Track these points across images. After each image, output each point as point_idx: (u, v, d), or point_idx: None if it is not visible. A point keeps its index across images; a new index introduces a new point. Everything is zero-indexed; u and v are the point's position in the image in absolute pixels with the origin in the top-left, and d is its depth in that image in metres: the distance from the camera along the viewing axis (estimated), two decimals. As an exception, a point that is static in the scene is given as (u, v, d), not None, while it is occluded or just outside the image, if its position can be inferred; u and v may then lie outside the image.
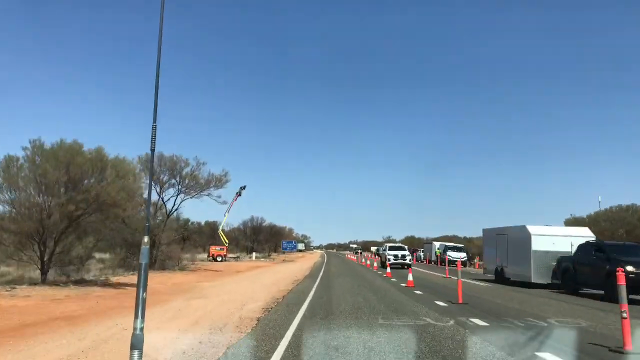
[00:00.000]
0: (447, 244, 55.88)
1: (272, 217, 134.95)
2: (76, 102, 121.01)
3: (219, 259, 46.19)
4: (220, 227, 55.85)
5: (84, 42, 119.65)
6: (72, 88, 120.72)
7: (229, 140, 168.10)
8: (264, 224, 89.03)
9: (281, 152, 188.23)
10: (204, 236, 71.26)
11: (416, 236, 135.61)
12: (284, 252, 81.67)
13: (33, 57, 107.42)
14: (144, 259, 3.69)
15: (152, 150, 3.89)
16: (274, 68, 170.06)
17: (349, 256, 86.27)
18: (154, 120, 3.79)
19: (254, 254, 60.21)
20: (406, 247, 40.64)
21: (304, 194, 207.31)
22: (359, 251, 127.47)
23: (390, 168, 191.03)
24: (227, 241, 53.24)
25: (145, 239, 3.69)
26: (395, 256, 35.92)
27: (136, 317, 3.49)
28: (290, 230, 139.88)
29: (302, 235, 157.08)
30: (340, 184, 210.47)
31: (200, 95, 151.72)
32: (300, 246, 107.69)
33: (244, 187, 54.02)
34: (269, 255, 72.96)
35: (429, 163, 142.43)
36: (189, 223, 73.78)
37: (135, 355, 3.46)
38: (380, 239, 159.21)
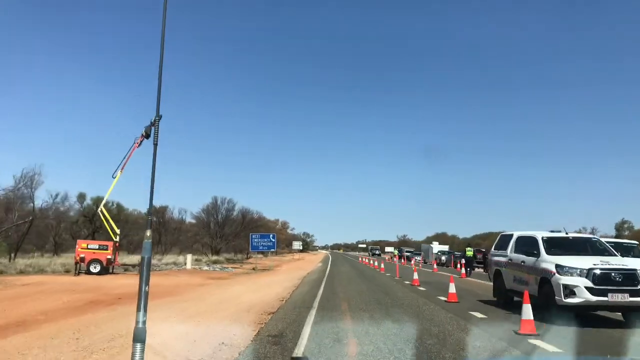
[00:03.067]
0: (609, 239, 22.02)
1: (269, 213, 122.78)
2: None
3: (94, 268, 25.80)
4: (102, 203, 30.37)
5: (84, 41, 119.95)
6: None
7: (225, 122, 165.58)
8: (232, 212, 61.72)
9: (283, 146, 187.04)
10: (131, 227, 52.61)
11: (449, 233, 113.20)
12: (249, 255, 55.74)
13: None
14: (146, 253, 3.89)
15: (155, 145, 4.04)
16: (279, 58, 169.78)
17: (364, 259, 62.93)
18: (157, 114, 3.90)
19: (189, 257, 35.60)
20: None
21: (307, 189, 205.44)
22: (377, 252, 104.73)
23: (402, 160, 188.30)
24: (117, 232, 24.19)
25: (148, 232, 3.86)
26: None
27: (138, 310, 3.70)
28: (285, 224, 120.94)
29: (304, 234, 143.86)
30: (347, 179, 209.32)
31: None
32: (297, 245, 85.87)
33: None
34: (247, 258, 54.63)
35: (446, 153, 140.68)
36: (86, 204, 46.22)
37: (138, 348, 3.64)
38: (393, 239, 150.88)
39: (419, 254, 65.39)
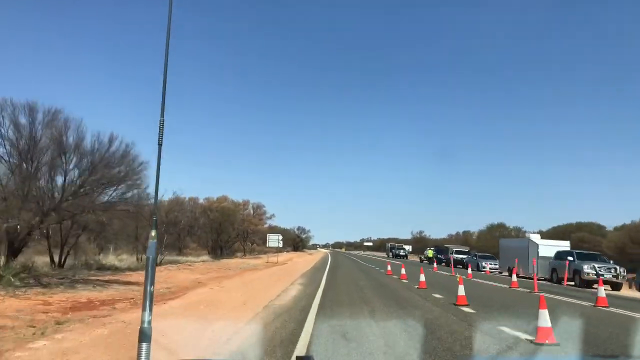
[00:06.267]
0: None
1: (269, 210, 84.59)
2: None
3: None
4: None
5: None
6: None
7: (227, 117, 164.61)
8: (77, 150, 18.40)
9: (282, 140, 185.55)
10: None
11: (508, 225, 76.33)
12: (162, 254, 36.65)
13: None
14: (151, 253, 3.93)
15: (160, 145, 4.08)
16: (287, 52, 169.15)
17: (388, 270, 30.66)
18: (162, 115, 3.95)
19: None
20: None
21: (307, 183, 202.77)
22: (403, 253, 78.18)
23: (412, 153, 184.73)
24: None
25: (153, 232, 3.89)
26: None
27: (144, 310, 3.78)
28: (258, 208, 79.81)
29: (299, 228, 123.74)
30: (349, 174, 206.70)
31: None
32: (273, 239, 53.85)
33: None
34: (155, 263, 10.58)
35: (459, 149, 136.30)
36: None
37: (144, 348, 3.68)
38: (404, 236, 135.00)
39: (492, 259, 40.58)
